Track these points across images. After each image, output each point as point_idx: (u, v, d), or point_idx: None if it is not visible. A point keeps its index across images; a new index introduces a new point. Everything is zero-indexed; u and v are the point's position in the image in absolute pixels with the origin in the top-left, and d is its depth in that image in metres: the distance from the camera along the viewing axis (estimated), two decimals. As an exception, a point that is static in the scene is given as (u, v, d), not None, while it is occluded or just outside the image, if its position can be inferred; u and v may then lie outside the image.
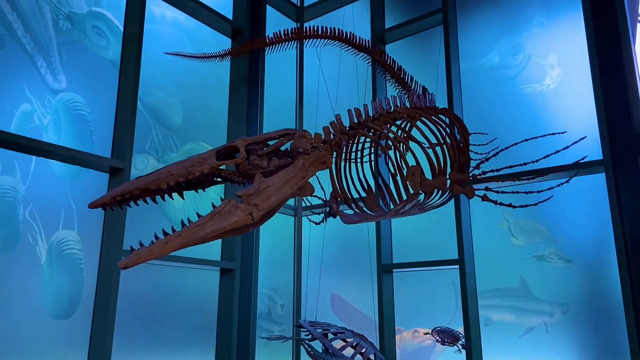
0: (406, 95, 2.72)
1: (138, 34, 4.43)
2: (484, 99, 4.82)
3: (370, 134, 2.27)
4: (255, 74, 5.66)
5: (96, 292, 3.88)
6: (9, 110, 3.64)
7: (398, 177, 2.22)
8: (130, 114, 4.26)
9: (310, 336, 3.17)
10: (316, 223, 2.75)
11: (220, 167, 1.87)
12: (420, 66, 5.43)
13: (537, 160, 2.18)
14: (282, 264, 5.62)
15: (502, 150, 2.22)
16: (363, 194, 2.22)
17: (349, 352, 2.92)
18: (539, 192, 2.14)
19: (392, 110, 2.43)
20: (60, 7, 4.10)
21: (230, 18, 5.64)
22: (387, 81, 4.46)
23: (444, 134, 2.35)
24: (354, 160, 2.29)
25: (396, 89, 4.37)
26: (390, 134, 2.25)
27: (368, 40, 4.49)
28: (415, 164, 2.18)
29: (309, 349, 3.07)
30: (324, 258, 5.58)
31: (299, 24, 6.41)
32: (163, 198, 1.84)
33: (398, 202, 2.24)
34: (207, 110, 5.30)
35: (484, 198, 2.13)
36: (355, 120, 2.30)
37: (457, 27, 5.07)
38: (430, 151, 2.24)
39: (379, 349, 4.53)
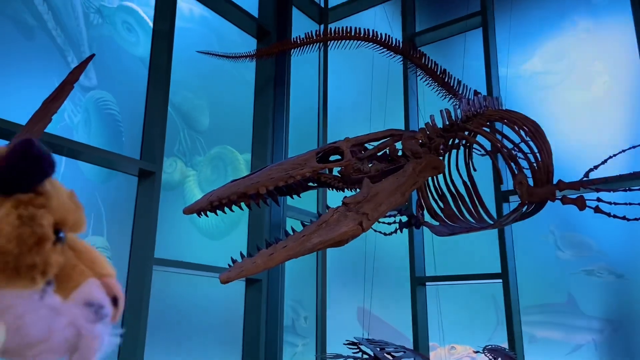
0: (483, 99, 2.51)
1: (169, 30, 4.20)
2: (525, 105, 4.65)
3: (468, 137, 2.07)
4: (282, 75, 5.45)
5: (126, 302, 3.61)
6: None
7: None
8: (161, 115, 4.03)
9: (360, 354, 2.95)
10: (386, 234, 2.54)
11: (321, 171, 1.66)
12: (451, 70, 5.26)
13: (649, 170, 2.01)
14: (305, 273, 5.38)
15: (611, 157, 2.03)
16: (458, 204, 2.00)
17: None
18: (654, 203, 1.97)
19: (479, 112, 2.23)
20: (91, -1, 3.87)
21: (256, 17, 5.44)
22: (429, 86, 4.27)
23: (541, 140, 2.15)
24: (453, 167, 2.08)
25: (440, 93, 4.17)
26: (492, 139, 2.04)
27: (400, 41, 4.31)
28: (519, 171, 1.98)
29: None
30: (349, 269, 5.36)
31: (322, 25, 6.23)
32: (258, 204, 1.62)
33: (485, 216, 2.03)
34: (233, 113, 5.08)
35: (597, 210, 1.94)
36: (447, 122, 2.10)
37: (495, 30, 4.91)
38: (531, 157, 2.04)
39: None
